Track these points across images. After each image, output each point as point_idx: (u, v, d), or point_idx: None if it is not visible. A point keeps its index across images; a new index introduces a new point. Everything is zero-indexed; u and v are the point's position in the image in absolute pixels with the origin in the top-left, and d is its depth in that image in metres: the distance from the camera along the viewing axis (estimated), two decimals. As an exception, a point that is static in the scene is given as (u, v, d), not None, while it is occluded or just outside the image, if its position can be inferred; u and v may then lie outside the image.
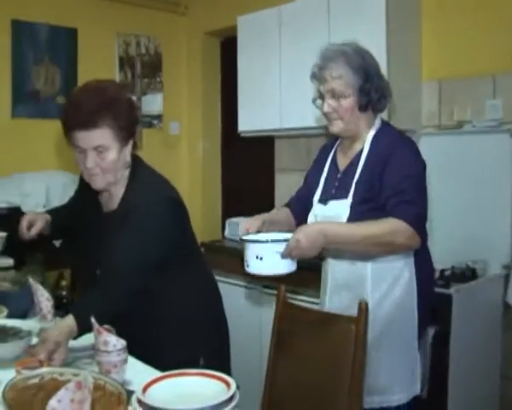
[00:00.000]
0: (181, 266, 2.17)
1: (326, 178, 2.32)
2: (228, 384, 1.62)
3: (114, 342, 1.68)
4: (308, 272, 2.37)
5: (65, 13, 4.52)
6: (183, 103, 5.29)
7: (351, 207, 2.13)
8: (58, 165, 4.32)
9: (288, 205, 2.48)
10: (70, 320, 1.81)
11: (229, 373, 1.76)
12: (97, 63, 4.64)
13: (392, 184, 2.06)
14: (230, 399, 1.55)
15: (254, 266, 1.97)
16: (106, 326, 1.82)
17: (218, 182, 5.31)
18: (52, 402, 1.19)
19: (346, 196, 2.17)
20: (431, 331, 2.88)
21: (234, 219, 4.35)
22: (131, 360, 1.82)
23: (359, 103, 2.15)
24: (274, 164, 4.58)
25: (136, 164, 2.19)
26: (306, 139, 4.14)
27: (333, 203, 2.21)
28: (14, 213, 3.73)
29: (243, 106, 4.14)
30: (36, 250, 3.40)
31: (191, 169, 5.30)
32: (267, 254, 1.95)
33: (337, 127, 2.21)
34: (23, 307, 2.33)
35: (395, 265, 2.16)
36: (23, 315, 2.29)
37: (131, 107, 2.13)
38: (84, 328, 1.82)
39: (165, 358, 1.92)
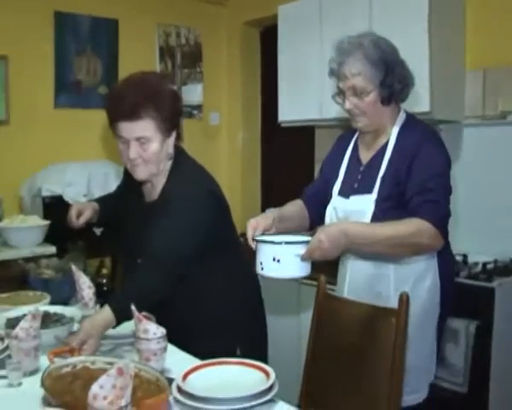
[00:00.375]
0: (220, 256, 2.18)
1: (346, 171, 2.27)
2: (267, 374, 1.62)
3: (154, 330, 1.70)
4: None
5: (106, 4, 4.56)
6: (223, 94, 5.29)
7: (376, 202, 2.09)
8: (99, 155, 4.38)
9: (302, 198, 2.40)
10: (106, 312, 1.83)
11: (266, 362, 1.76)
12: (138, 54, 4.68)
13: (419, 182, 2.02)
14: (270, 388, 1.55)
15: (270, 269, 1.85)
16: (146, 314, 1.84)
17: (257, 172, 5.30)
18: (94, 388, 1.20)
19: (370, 191, 2.12)
20: (473, 326, 2.84)
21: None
22: (171, 348, 1.84)
23: (382, 97, 2.10)
24: (314, 154, 4.55)
25: (179, 155, 2.21)
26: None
27: (356, 198, 2.17)
28: (57, 203, 3.81)
29: (283, 96, 4.12)
30: (78, 238, 3.45)
31: (231, 160, 5.31)
32: (285, 257, 1.84)
33: (361, 123, 2.16)
34: (65, 294, 2.38)
35: (418, 265, 2.12)
36: (65, 302, 2.33)
37: (174, 98, 2.14)
38: (121, 319, 1.85)
39: (201, 347, 1.93)
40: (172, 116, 2.11)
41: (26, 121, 4.24)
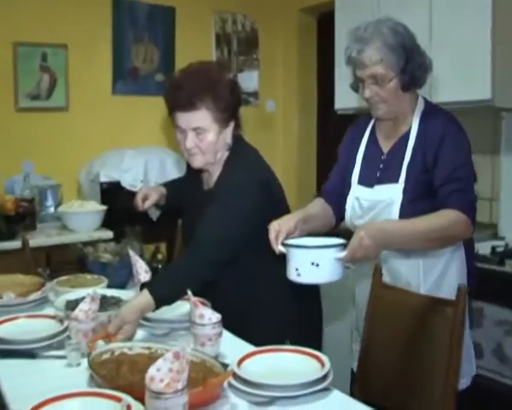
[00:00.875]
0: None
1: (365, 159, 2.22)
2: (322, 362, 1.62)
3: (210, 316, 1.71)
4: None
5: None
6: (279, 81, 5.26)
7: (403, 192, 2.05)
8: (156, 141, 4.43)
9: (322, 195, 2.33)
10: (143, 297, 1.84)
11: (319, 351, 1.75)
12: (194, 41, 4.70)
13: (447, 172, 1.99)
14: (324, 377, 1.55)
15: (309, 274, 1.76)
16: (201, 300, 1.85)
17: (313, 160, 5.26)
18: (151, 370, 1.22)
19: (396, 181, 2.08)
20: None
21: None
22: (226, 334, 1.85)
23: (402, 84, 2.05)
24: (370, 142, 4.48)
25: (237, 144, 2.22)
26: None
27: (382, 187, 2.12)
28: (114, 188, 3.88)
29: (340, 83, 4.07)
30: (135, 224, 3.50)
31: (286, 147, 5.29)
32: (324, 260, 1.76)
33: (381, 111, 2.11)
34: (122, 278, 2.41)
35: (445, 252, 2.08)
36: (122, 286, 2.37)
37: (233, 89, 2.14)
38: (160, 303, 1.86)
39: (252, 335, 1.93)
40: (230, 107, 2.12)
41: (84, 108, 4.32)
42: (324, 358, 1.64)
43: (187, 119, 2.08)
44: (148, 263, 2.30)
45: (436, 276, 2.09)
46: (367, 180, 2.17)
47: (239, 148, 2.22)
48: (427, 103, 2.16)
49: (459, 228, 1.94)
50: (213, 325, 1.70)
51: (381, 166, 2.16)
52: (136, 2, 4.50)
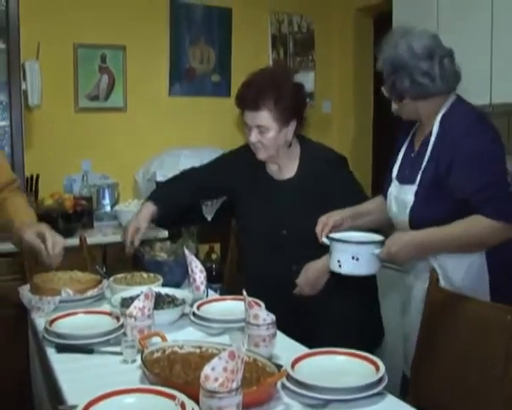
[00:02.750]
0: None
1: (403, 155, 2.26)
2: (376, 366, 1.59)
3: (264, 317, 1.70)
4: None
5: (221, -6, 4.62)
6: (335, 81, 5.22)
7: (415, 194, 2.08)
8: (211, 141, 4.44)
9: (382, 192, 2.36)
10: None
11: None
12: (250, 42, 4.71)
13: (473, 180, 1.97)
14: (379, 381, 1.52)
15: (349, 267, 2.01)
16: (256, 300, 1.85)
17: (368, 161, 5.20)
18: (206, 369, 1.22)
19: (413, 181, 2.10)
20: None
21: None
22: (279, 335, 1.84)
23: (413, 97, 2.10)
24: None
25: (304, 140, 2.52)
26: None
27: (403, 187, 2.16)
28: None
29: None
30: (190, 223, 3.54)
31: (342, 148, 5.18)
32: (364, 255, 2.00)
33: (405, 114, 2.20)
34: (177, 277, 2.43)
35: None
36: (177, 285, 2.38)
37: (297, 92, 2.40)
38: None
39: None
40: (292, 108, 2.35)
41: (141, 109, 4.39)
42: (379, 362, 1.61)
43: (252, 117, 2.35)
44: (203, 263, 2.32)
45: (459, 280, 2.07)
46: (400, 177, 2.21)
47: (307, 142, 2.52)
48: (455, 103, 2.13)
49: (495, 237, 1.97)
50: (268, 325, 1.70)
51: (410, 164, 2.19)
52: (192, 3, 4.54)
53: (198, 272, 2.21)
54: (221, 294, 2.47)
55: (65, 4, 4.10)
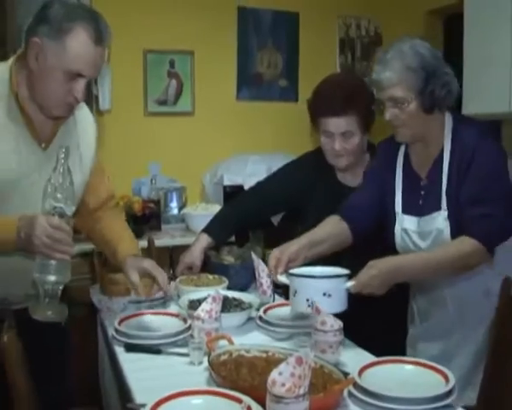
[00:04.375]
0: None
1: (404, 186, 2.11)
2: (446, 378, 1.55)
3: (332, 323, 1.69)
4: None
5: (288, -2, 4.63)
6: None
7: (449, 218, 1.96)
8: (279, 146, 4.44)
9: (340, 212, 2.21)
10: None
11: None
12: (318, 46, 4.70)
13: (470, 193, 1.91)
14: (448, 393, 1.48)
15: (320, 305, 1.72)
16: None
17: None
18: (273, 374, 1.22)
19: (438, 208, 1.98)
20: None
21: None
22: (346, 342, 1.83)
23: (423, 106, 1.95)
24: (500, 151, 4.28)
25: (372, 147, 2.47)
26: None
27: (427, 218, 2.02)
28: (237, 192, 3.94)
29: (468, 87, 3.92)
30: (258, 228, 3.54)
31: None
32: (336, 290, 1.79)
33: (402, 136, 2.04)
34: (244, 280, 2.44)
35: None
36: (243, 288, 2.39)
37: (371, 98, 2.28)
38: None
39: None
40: (370, 115, 2.37)
41: (209, 113, 4.44)
42: (449, 373, 1.57)
43: (337, 123, 2.34)
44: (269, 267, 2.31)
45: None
46: (411, 209, 2.08)
47: (374, 148, 2.44)
48: (456, 118, 2.05)
49: (474, 259, 1.89)
50: (335, 332, 1.68)
51: (423, 192, 2.07)
52: (260, 8, 4.57)
53: (265, 276, 2.21)
54: (286, 298, 2.47)
55: (135, 11, 4.19)
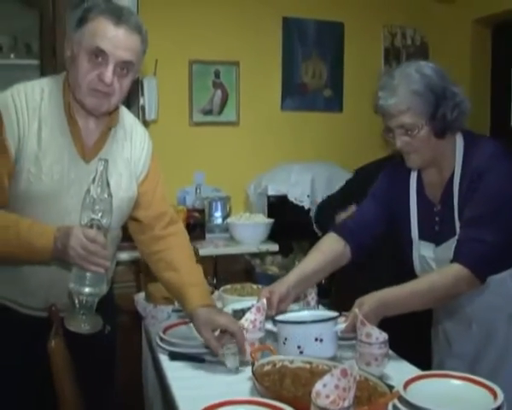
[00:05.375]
0: None
1: (419, 212, 2.04)
2: (494, 394, 1.52)
3: (377, 335, 1.67)
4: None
5: (332, 8, 4.61)
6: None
7: None
8: (323, 156, 4.44)
9: (339, 231, 2.16)
10: None
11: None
12: (363, 56, 4.67)
13: (468, 215, 1.85)
14: (497, 410, 1.45)
15: (313, 350, 1.72)
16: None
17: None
18: (318, 385, 1.21)
19: (454, 234, 1.91)
20: None
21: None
22: (393, 355, 1.82)
23: (435, 131, 1.87)
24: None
25: None
26: None
27: (444, 246, 1.95)
28: (281, 202, 3.96)
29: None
30: (302, 238, 3.54)
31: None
32: (328, 335, 1.76)
33: (414, 162, 1.96)
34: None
35: None
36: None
37: None
38: None
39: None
40: None
41: (254, 123, 4.46)
42: (497, 389, 1.53)
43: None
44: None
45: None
46: (428, 235, 2.03)
47: None
48: (467, 138, 1.97)
49: (460, 288, 1.82)
50: (380, 344, 1.67)
51: (437, 219, 2.01)
52: (305, 19, 4.57)
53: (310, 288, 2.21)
54: (329, 309, 2.45)
55: (181, 23, 4.24)
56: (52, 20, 3.44)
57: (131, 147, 2.00)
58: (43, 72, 3.30)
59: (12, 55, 3.60)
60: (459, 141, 1.96)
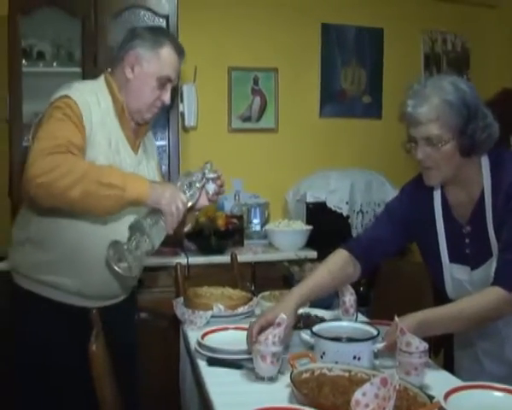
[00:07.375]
0: None
1: (447, 233, 1.97)
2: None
3: (417, 344, 1.65)
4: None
5: (371, 14, 4.59)
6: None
7: None
8: (362, 163, 4.40)
9: (350, 248, 2.09)
10: None
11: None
12: (402, 62, 4.63)
13: (505, 238, 1.79)
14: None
15: None
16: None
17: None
18: (357, 394, 1.21)
19: (491, 254, 1.86)
20: None
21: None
22: (432, 364, 1.80)
23: (461, 148, 1.80)
24: None
25: None
26: None
27: (480, 270, 1.90)
28: (320, 209, 3.94)
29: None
30: (340, 245, 3.51)
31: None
32: (366, 353, 1.75)
33: (431, 178, 1.88)
34: (326, 298, 2.42)
35: None
36: (327, 306, 2.37)
37: None
38: None
39: None
40: None
41: (293, 130, 4.45)
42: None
43: None
44: (351, 285, 2.29)
45: None
46: (458, 258, 1.97)
47: None
48: (492, 154, 1.89)
49: (502, 310, 1.78)
50: (420, 353, 1.65)
51: (467, 241, 1.94)
52: (344, 25, 4.56)
53: (348, 294, 2.20)
54: (368, 317, 2.43)
55: (220, 30, 4.27)
56: (94, 29, 3.52)
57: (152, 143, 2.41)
58: (85, 79, 3.37)
59: (55, 64, 3.69)
60: (485, 163, 1.89)
